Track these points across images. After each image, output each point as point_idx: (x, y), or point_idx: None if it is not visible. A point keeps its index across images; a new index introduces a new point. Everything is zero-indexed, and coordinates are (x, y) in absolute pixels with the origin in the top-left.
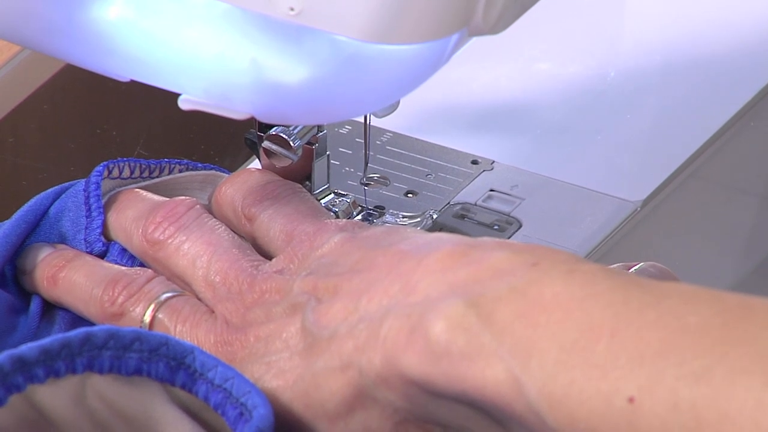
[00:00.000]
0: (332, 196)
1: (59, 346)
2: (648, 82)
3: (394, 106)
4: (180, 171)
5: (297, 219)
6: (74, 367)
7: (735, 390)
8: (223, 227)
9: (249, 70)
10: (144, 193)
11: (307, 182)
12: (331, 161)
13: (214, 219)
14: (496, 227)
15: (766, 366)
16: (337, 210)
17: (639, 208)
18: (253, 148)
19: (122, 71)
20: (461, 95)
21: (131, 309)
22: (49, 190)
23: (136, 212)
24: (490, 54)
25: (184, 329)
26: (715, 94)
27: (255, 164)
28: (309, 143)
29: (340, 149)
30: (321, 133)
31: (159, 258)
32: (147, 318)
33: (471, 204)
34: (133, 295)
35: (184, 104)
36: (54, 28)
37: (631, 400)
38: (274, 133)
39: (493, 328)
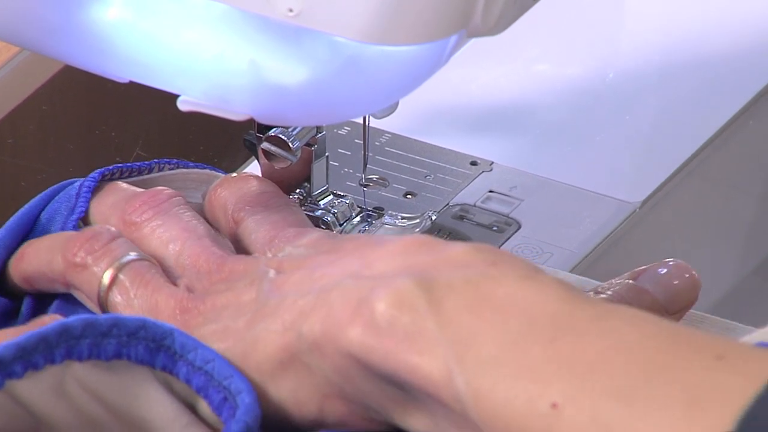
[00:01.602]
0: (331, 197)
1: (36, 341)
2: (647, 83)
3: (393, 107)
4: (170, 170)
5: (282, 227)
6: (53, 357)
7: (652, 415)
8: (202, 220)
9: (248, 72)
10: (126, 184)
11: (306, 183)
12: (330, 162)
13: (194, 211)
14: (495, 228)
15: (687, 397)
16: (336, 211)
17: (638, 209)
18: (252, 150)
19: (121, 72)
20: (460, 96)
21: (92, 263)
22: (42, 194)
23: (116, 198)
24: (489, 55)
25: (145, 293)
26: (714, 94)
27: (254, 165)
28: (308, 144)
29: (339, 150)
30: (320, 135)
31: (134, 239)
32: (107, 278)
33: (470, 205)
34: (96, 251)
35: (183, 105)
36: (53, 29)
37: (554, 405)
38: (273, 134)
39: (439, 315)
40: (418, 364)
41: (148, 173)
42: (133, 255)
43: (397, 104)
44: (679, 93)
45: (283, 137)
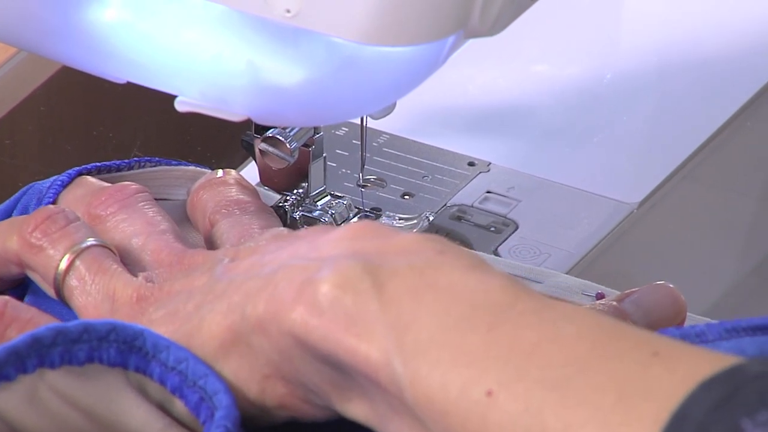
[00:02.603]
0: (329, 197)
1: (6, 355)
2: (644, 84)
3: (390, 108)
4: (152, 167)
5: (251, 227)
6: (24, 367)
7: (584, 405)
8: (167, 216)
9: (245, 72)
10: (95, 179)
11: (304, 184)
12: (328, 163)
13: (159, 207)
14: (492, 229)
15: (620, 389)
16: (333, 212)
17: (635, 210)
18: (250, 150)
19: (119, 73)
20: (458, 97)
21: (48, 246)
22: (16, 194)
23: (84, 191)
24: (487, 56)
25: (102, 280)
26: (712, 95)
27: (252, 166)
28: (305, 145)
29: (337, 151)
30: (317, 135)
31: (98, 231)
32: (64, 263)
33: (467, 206)
34: (53, 233)
35: (180, 106)
36: (50, 30)
37: (489, 393)
38: (270, 134)
39: (382, 298)
40: (356, 346)
41: (128, 170)
42: (91, 241)
43: (394, 105)
44: (676, 94)
45: (280, 138)
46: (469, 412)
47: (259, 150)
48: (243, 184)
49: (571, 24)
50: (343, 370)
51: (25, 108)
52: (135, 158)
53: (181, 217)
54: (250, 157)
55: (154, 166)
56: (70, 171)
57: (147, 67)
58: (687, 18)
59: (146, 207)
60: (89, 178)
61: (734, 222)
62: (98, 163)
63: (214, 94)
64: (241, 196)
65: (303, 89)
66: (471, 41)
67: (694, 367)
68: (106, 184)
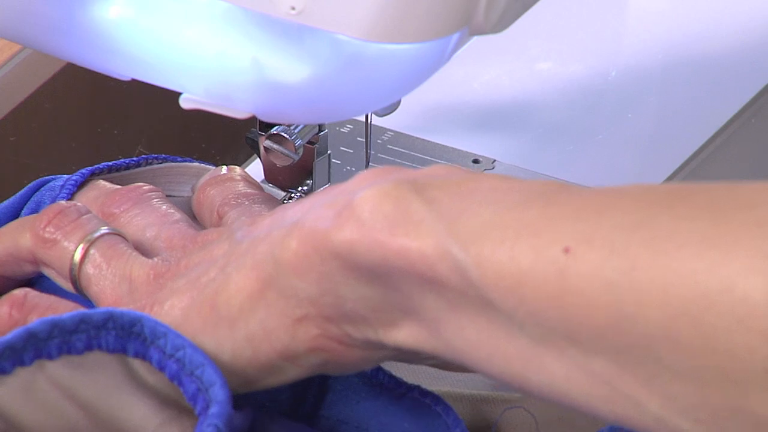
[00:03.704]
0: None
1: (1, 349)
2: (649, 82)
3: (395, 105)
4: (159, 164)
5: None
6: (22, 361)
7: (675, 232)
8: (180, 210)
9: (250, 70)
10: (107, 183)
11: (308, 181)
12: (333, 160)
13: (170, 204)
14: None
15: (710, 214)
16: None
17: None
18: (254, 148)
19: (123, 70)
20: (462, 94)
21: (62, 239)
22: (24, 189)
23: (98, 193)
24: (492, 53)
25: (118, 263)
26: (716, 93)
27: (256, 163)
28: (310, 142)
29: (342, 148)
30: (322, 132)
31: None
32: (78, 253)
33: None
34: (66, 226)
35: (185, 103)
36: (55, 27)
37: (566, 250)
38: (275, 132)
39: (424, 198)
40: (408, 245)
41: (137, 167)
42: (104, 229)
43: (399, 102)
44: (681, 91)
45: (285, 135)
46: (546, 275)
47: (264, 147)
48: (249, 180)
49: (575, 22)
50: (390, 286)
51: (30, 105)
52: (143, 156)
53: (187, 214)
54: (255, 155)
55: (161, 163)
56: (83, 171)
57: (151, 65)
58: (691, 16)
59: (159, 202)
60: (102, 181)
61: None
62: (109, 163)
63: (219, 92)
64: (249, 190)
65: (307, 86)
66: (475, 38)
67: None
68: (119, 186)
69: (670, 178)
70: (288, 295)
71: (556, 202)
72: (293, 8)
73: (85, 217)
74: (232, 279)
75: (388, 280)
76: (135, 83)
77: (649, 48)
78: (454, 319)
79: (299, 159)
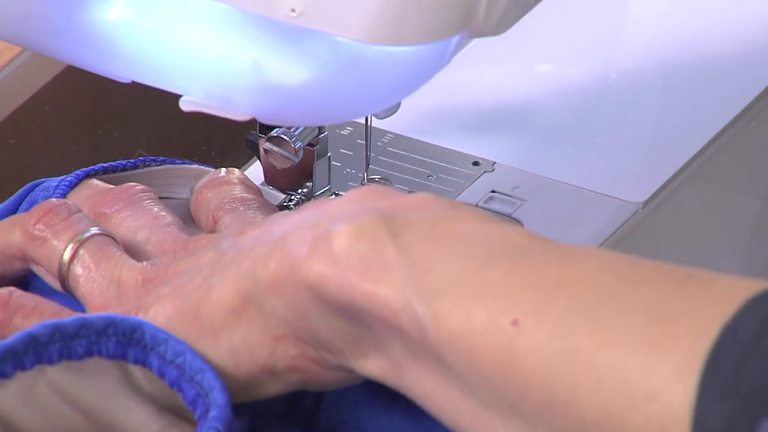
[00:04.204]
0: (333, 197)
1: (2, 353)
2: (649, 84)
3: (394, 108)
4: (156, 167)
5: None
6: (22, 365)
7: (615, 324)
8: (172, 213)
9: (250, 72)
10: (100, 182)
11: (308, 183)
12: (333, 162)
13: (163, 205)
14: None
15: (655, 309)
16: None
17: (640, 210)
18: (254, 150)
19: (123, 72)
20: (462, 96)
21: (52, 237)
22: (20, 191)
23: (90, 192)
24: (492, 55)
25: (107, 266)
26: (717, 94)
27: (256, 166)
28: (310, 144)
29: (342, 150)
30: (322, 135)
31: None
32: (68, 253)
33: (472, 205)
34: (56, 225)
35: (185, 105)
36: (55, 30)
37: (515, 322)
38: (275, 134)
39: (398, 243)
40: (375, 291)
41: (134, 170)
42: (94, 230)
43: (399, 105)
44: (681, 93)
45: (285, 137)
46: (495, 344)
47: (264, 149)
48: (247, 183)
49: (575, 24)
50: (359, 322)
51: (30, 107)
52: (140, 158)
53: (185, 216)
54: (255, 157)
55: (159, 165)
56: (78, 172)
57: (151, 67)
58: (691, 17)
59: (151, 204)
60: (95, 180)
61: (739, 221)
62: (105, 164)
63: (219, 94)
64: (245, 194)
65: (307, 89)
66: (475, 41)
67: (729, 286)
68: (111, 186)
69: (669, 180)
70: (268, 313)
71: (520, 265)
72: (293, 10)
73: (75, 216)
74: (215, 291)
75: (358, 317)
76: (135, 85)
77: (649, 50)
78: (414, 367)
79: (299, 161)
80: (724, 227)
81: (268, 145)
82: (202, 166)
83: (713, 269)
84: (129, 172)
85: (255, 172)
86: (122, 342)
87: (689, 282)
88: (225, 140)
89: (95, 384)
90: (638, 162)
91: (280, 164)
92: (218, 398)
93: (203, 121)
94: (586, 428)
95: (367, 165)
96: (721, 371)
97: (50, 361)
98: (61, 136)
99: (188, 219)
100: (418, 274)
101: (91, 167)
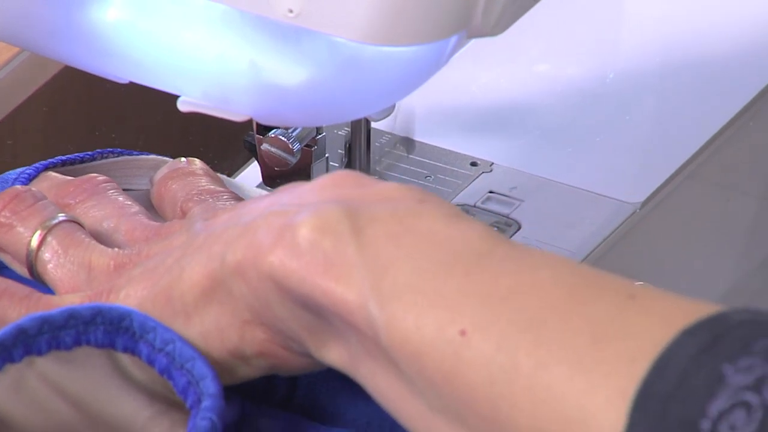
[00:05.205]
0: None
1: None
2: (647, 84)
3: (389, 110)
4: (115, 158)
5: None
6: (11, 357)
7: (558, 345)
8: (136, 202)
9: (248, 72)
10: (59, 174)
11: None
12: (330, 163)
13: (126, 195)
14: (495, 229)
15: (596, 330)
16: None
17: (638, 210)
18: (252, 150)
19: (121, 73)
20: (460, 97)
21: (18, 224)
22: None
23: (50, 184)
24: (489, 56)
25: (77, 252)
26: (714, 95)
27: (254, 166)
28: (308, 145)
29: (339, 151)
30: (320, 135)
31: None
32: (35, 240)
33: (470, 206)
34: (22, 212)
35: (182, 106)
36: (52, 30)
37: (462, 332)
38: (273, 135)
39: (360, 242)
40: (333, 289)
41: (91, 161)
42: (62, 216)
43: (393, 107)
44: (679, 93)
45: (283, 138)
46: (442, 352)
47: (262, 150)
48: (210, 174)
49: (573, 24)
50: (319, 314)
51: (28, 108)
52: (99, 150)
53: (146, 207)
54: (253, 158)
55: (117, 156)
56: (37, 164)
57: (149, 67)
58: (689, 17)
59: (115, 194)
60: (53, 173)
61: (737, 222)
62: (64, 156)
63: (217, 94)
64: (212, 186)
65: (305, 89)
66: (473, 41)
67: (671, 311)
68: (71, 178)
69: (667, 181)
70: (236, 297)
71: (474, 273)
72: (290, 11)
73: (41, 202)
74: (186, 273)
75: (318, 310)
76: (133, 86)
77: (647, 50)
78: (369, 363)
79: (297, 162)
80: (721, 227)
81: (265, 146)
82: (160, 157)
83: (711, 269)
84: (87, 164)
85: (253, 172)
86: (110, 331)
87: (632, 302)
88: (223, 141)
89: (85, 374)
90: (636, 162)
91: (277, 165)
92: (210, 387)
93: (201, 121)
94: None
95: (367, 166)
96: (650, 404)
97: (39, 352)
98: (59, 137)
99: (150, 209)
100: (376, 275)
101: (51, 160)
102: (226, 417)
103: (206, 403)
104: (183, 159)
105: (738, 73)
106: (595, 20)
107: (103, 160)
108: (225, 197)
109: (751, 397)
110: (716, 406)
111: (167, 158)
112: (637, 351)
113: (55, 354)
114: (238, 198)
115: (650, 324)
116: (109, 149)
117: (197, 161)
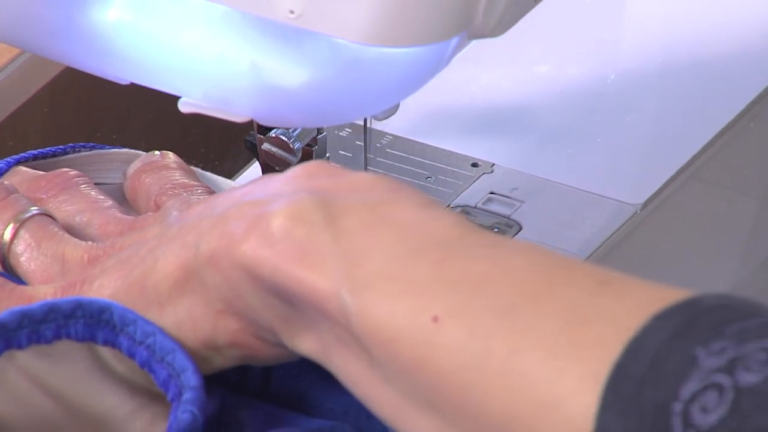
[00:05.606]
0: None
1: None
2: (648, 84)
3: (393, 109)
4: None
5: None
6: None
7: (531, 330)
8: (109, 197)
9: (249, 73)
10: (30, 169)
11: None
12: (331, 164)
13: (99, 189)
14: (496, 230)
15: (569, 315)
16: None
17: (639, 211)
18: (253, 151)
19: (122, 74)
20: (461, 98)
21: None
22: None
23: (21, 179)
24: (490, 57)
25: (50, 244)
26: (715, 96)
27: (255, 167)
28: (308, 146)
29: (340, 152)
30: (321, 136)
31: None
32: (8, 233)
33: (471, 207)
34: None
35: (183, 107)
36: (54, 31)
37: (435, 319)
38: (273, 135)
39: (334, 230)
40: (306, 277)
41: (63, 155)
42: (34, 210)
43: (397, 106)
44: (680, 94)
45: (283, 138)
46: (414, 339)
47: (263, 150)
48: (184, 168)
49: (574, 25)
50: (292, 304)
51: (29, 109)
52: (70, 144)
53: (119, 201)
54: (254, 158)
55: (89, 150)
56: (8, 159)
57: (150, 68)
58: (690, 18)
59: (87, 188)
60: (24, 168)
61: (738, 222)
62: (35, 151)
63: (218, 95)
64: (186, 180)
65: (306, 90)
66: (474, 42)
67: (643, 296)
68: (43, 173)
69: (668, 182)
70: (209, 287)
71: (447, 260)
72: (292, 12)
73: (13, 196)
74: (159, 263)
75: (290, 299)
76: (134, 87)
77: (648, 51)
78: (341, 351)
79: (298, 161)
80: (722, 228)
81: (266, 146)
82: (132, 150)
83: (713, 270)
84: (59, 158)
85: (254, 173)
86: (90, 324)
87: (605, 287)
88: (224, 141)
89: (66, 367)
90: (637, 163)
91: (278, 165)
92: (191, 380)
93: (202, 122)
94: None
95: (366, 166)
96: (623, 388)
97: (19, 346)
98: (60, 138)
99: (123, 203)
100: (349, 264)
101: (22, 155)
102: (207, 409)
103: (187, 395)
104: (157, 152)
105: (739, 74)
106: (596, 21)
107: (75, 154)
108: (199, 191)
109: (723, 379)
110: (688, 389)
111: (140, 152)
112: (610, 335)
113: (35, 348)
114: (211, 192)
115: (623, 309)
116: (81, 144)
117: (171, 154)
